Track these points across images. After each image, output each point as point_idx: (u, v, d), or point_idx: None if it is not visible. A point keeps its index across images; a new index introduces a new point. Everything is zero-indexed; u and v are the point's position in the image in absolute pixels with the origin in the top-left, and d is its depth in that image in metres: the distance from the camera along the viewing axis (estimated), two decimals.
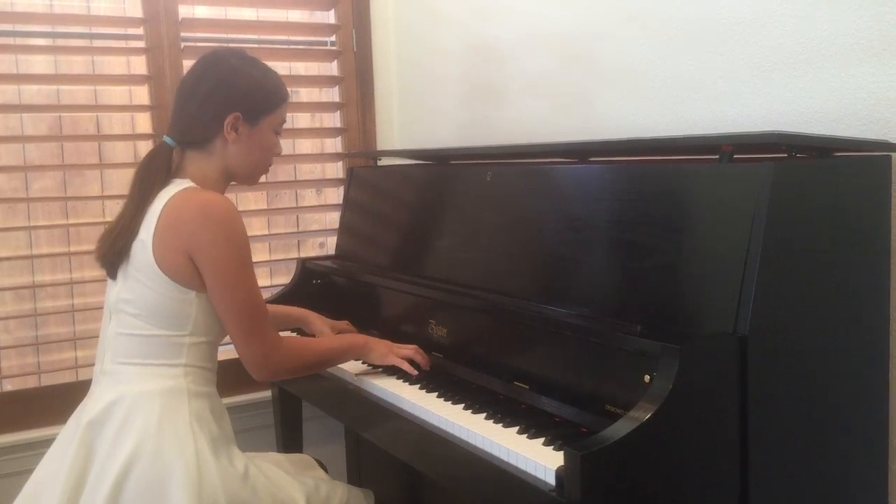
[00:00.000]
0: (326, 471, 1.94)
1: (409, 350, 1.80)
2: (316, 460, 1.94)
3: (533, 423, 1.44)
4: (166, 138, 1.65)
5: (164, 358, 1.55)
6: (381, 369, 1.83)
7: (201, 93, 1.63)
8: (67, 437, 1.57)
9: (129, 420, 1.50)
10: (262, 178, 2.68)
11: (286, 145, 2.78)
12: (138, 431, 1.49)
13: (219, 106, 1.62)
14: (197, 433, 1.52)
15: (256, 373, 1.62)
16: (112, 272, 1.60)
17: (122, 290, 1.57)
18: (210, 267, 1.53)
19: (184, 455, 1.48)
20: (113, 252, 1.58)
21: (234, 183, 1.73)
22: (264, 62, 1.71)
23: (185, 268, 1.53)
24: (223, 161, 1.65)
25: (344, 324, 2.11)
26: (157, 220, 1.54)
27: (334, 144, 2.84)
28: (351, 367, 1.87)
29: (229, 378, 2.45)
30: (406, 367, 1.76)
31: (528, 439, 1.39)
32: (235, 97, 1.62)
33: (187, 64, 2.28)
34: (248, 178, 1.72)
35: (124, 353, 1.56)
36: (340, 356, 1.80)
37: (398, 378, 1.78)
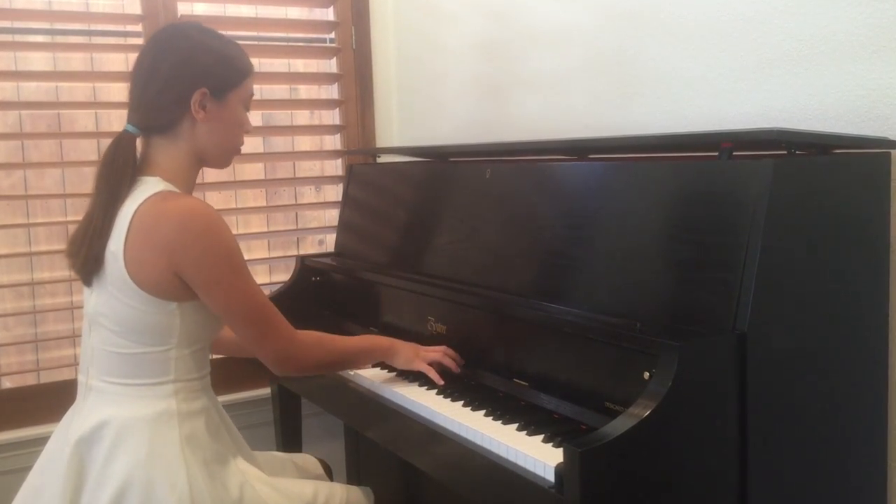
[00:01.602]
0: (330, 471, 1.93)
1: (437, 353, 1.72)
2: (320, 461, 1.92)
3: (532, 420, 1.44)
4: (128, 126, 1.53)
5: (150, 376, 1.48)
6: (395, 373, 1.79)
7: (162, 72, 1.50)
8: (56, 450, 1.52)
9: (118, 447, 1.44)
10: (261, 176, 2.71)
11: (285, 142, 2.79)
12: (127, 461, 1.43)
13: (183, 83, 1.50)
14: (189, 459, 1.45)
15: (278, 370, 1.56)
16: (87, 279, 1.51)
17: (99, 302, 1.48)
18: (203, 282, 1.45)
19: (176, 487, 1.42)
20: (89, 259, 1.47)
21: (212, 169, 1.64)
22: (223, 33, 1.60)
23: (166, 283, 1.43)
24: (192, 144, 1.53)
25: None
26: (128, 231, 1.44)
27: (333, 141, 2.84)
28: (365, 371, 1.82)
29: (229, 375, 2.46)
30: (433, 375, 1.68)
31: (527, 436, 1.39)
32: (199, 72, 1.51)
33: None
34: (220, 160, 1.60)
35: (109, 371, 1.49)
36: (364, 355, 1.73)
37: (398, 375, 1.78)
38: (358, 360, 1.74)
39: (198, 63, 1.51)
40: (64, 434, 1.53)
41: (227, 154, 1.61)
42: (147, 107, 1.52)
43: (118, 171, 1.49)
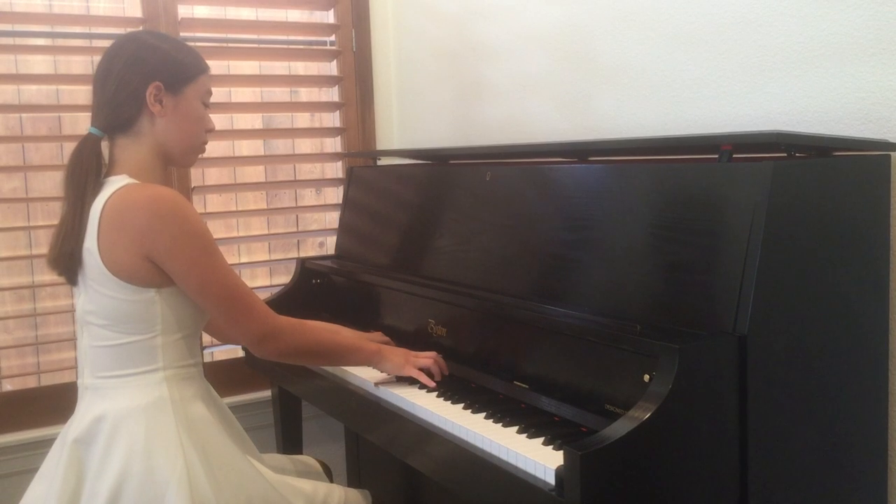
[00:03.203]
0: (330, 473, 1.93)
1: (428, 360, 1.72)
2: (319, 462, 1.93)
3: (532, 423, 1.44)
4: (91, 129, 1.57)
5: (140, 365, 1.50)
6: (393, 377, 1.78)
7: (115, 72, 1.55)
8: (56, 455, 1.54)
9: (115, 439, 1.46)
10: (262, 179, 2.71)
11: (286, 145, 2.79)
12: (125, 451, 1.45)
13: (137, 79, 1.55)
14: (186, 446, 1.47)
15: (256, 350, 1.58)
16: (72, 278, 1.54)
17: (85, 301, 1.52)
18: (177, 266, 1.47)
19: (175, 472, 1.44)
20: (64, 256, 1.51)
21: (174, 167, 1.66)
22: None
23: (141, 269, 1.47)
24: (154, 140, 1.57)
25: (377, 335, 1.96)
26: (99, 225, 1.48)
27: (334, 144, 2.84)
28: (365, 373, 1.81)
29: (230, 377, 2.46)
30: (424, 379, 1.69)
31: (527, 439, 1.39)
32: (151, 68, 1.56)
33: None
34: (184, 156, 1.63)
35: (101, 367, 1.52)
36: (348, 354, 1.73)
37: (397, 378, 1.78)
38: (341, 356, 1.74)
39: (148, 59, 1.57)
40: (62, 438, 1.55)
41: (189, 151, 1.64)
42: (107, 107, 1.57)
43: (85, 173, 1.54)
